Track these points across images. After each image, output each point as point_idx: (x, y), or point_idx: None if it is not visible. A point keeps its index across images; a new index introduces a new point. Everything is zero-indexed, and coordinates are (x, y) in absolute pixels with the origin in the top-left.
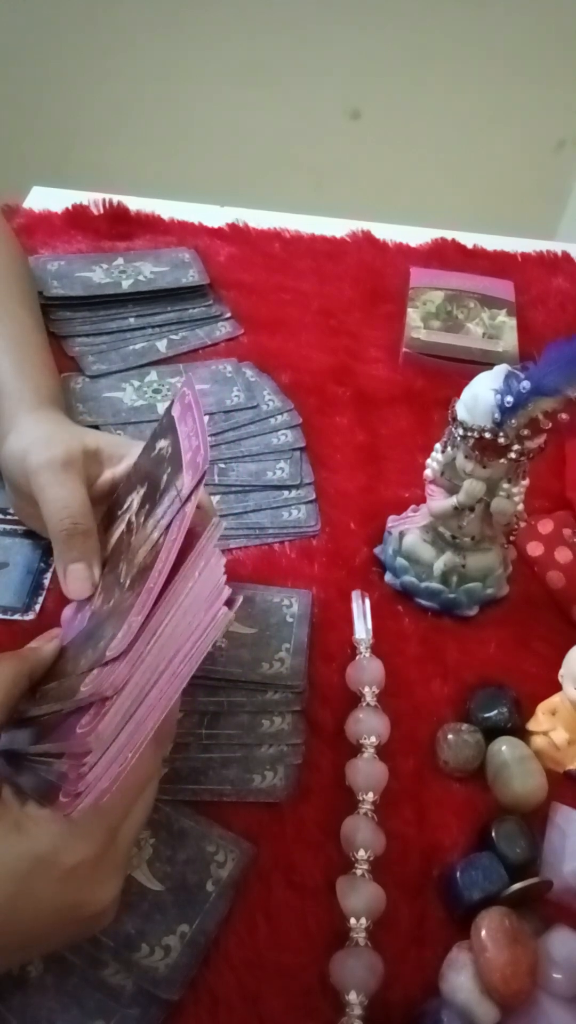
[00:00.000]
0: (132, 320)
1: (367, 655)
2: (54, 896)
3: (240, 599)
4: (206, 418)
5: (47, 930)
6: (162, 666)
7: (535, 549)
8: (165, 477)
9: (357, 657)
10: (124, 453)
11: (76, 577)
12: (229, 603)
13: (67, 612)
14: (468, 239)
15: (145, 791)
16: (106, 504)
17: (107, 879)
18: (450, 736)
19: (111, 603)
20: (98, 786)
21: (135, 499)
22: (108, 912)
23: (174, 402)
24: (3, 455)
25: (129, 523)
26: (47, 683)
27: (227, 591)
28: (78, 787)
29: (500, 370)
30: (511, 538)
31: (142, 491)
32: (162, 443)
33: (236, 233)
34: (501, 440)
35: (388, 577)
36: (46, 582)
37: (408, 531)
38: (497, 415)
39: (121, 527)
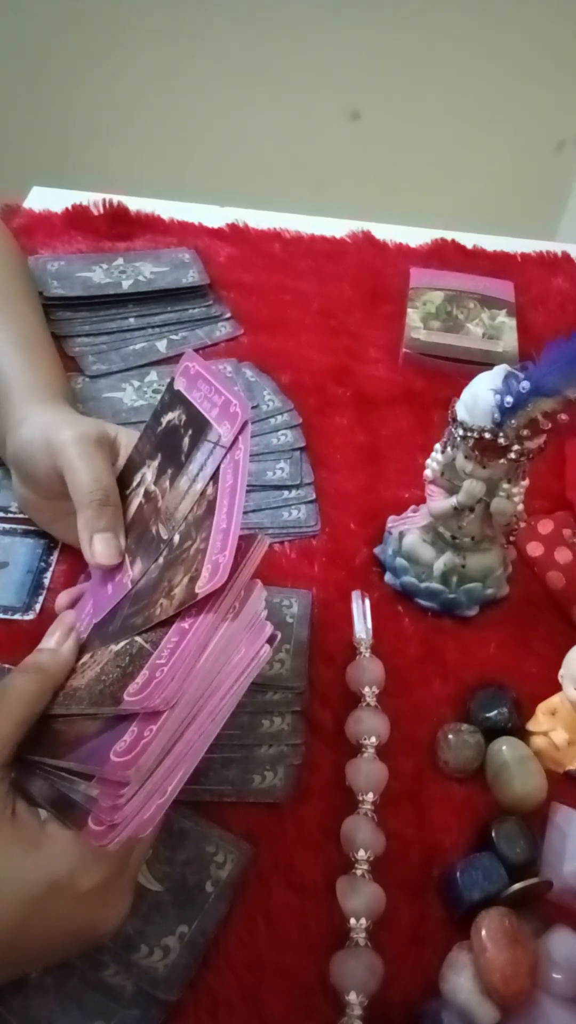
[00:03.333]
0: (132, 320)
1: (367, 655)
2: (67, 919)
3: (278, 636)
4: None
5: (56, 948)
6: (204, 698)
7: (535, 549)
8: (187, 440)
9: (357, 657)
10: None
11: (105, 543)
12: (270, 640)
13: (64, 598)
14: (468, 239)
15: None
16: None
17: (118, 900)
18: (450, 736)
19: (159, 560)
20: (136, 819)
21: (147, 472)
22: (116, 929)
23: (174, 379)
24: (14, 443)
25: (147, 493)
26: (67, 679)
27: (269, 627)
28: (114, 818)
29: (500, 370)
30: (511, 538)
31: (155, 463)
32: (170, 416)
33: (236, 233)
34: (501, 440)
35: (388, 577)
36: (46, 581)
37: (408, 531)
38: (497, 415)
39: (136, 500)
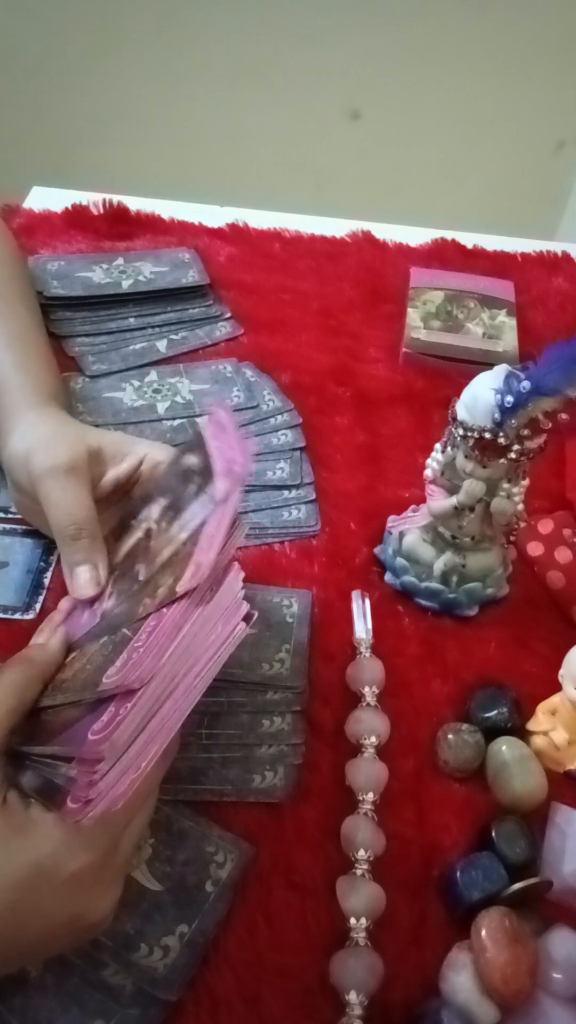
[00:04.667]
0: (132, 320)
1: (367, 655)
2: (55, 904)
3: (256, 615)
4: (205, 418)
5: (48, 938)
6: (179, 676)
7: (535, 549)
8: (193, 488)
9: (357, 657)
10: (127, 451)
11: (82, 578)
12: (246, 619)
13: (65, 603)
14: (468, 239)
15: (147, 800)
16: (111, 503)
17: (107, 888)
18: (450, 736)
19: (129, 594)
20: (110, 794)
21: (155, 510)
22: (106, 920)
23: (204, 420)
24: (6, 454)
25: (148, 530)
26: (56, 673)
27: (245, 606)
28: (88, 794)
29: (500, 370)
30: (511, 538)
31: (163, 502)
32: (191, 459)
33: (236, 233)
34: (501, 440)
35: (388, 577)
36: (46, 581)
37: (408, 531)
38: (497, 415)
39: (137, 534)
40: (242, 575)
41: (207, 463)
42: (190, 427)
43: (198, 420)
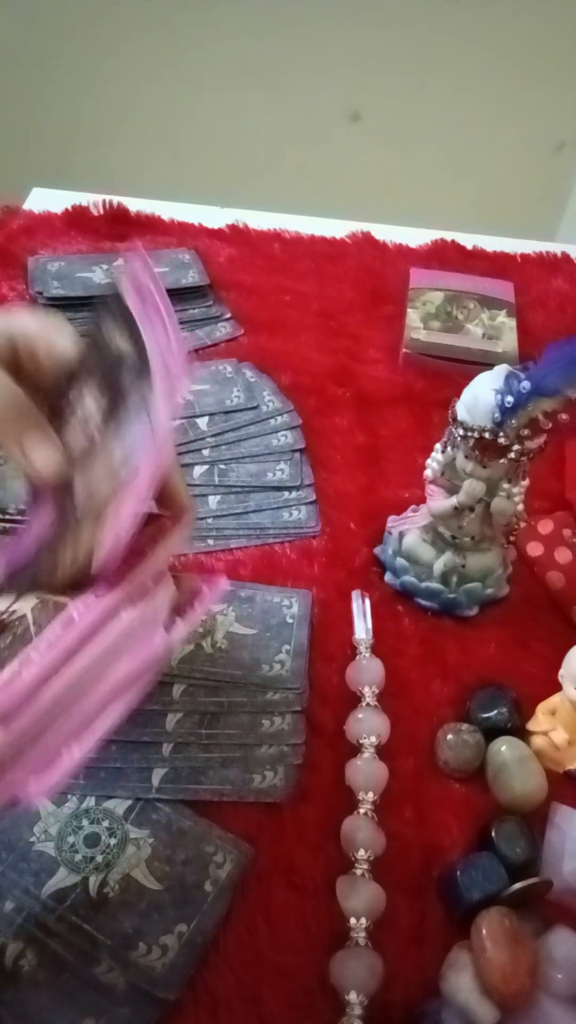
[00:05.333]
0: None
1: (367, 655)
2: None
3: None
4: (205, 419)
5: None
6: (64, 706)
7: (535, 549)
8: (135, 397)
9: (357, 657)
10: (6, 328)
11: (38, 445)
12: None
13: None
14: (468, 240)
15: None
16: None
17: None
18: (450, 736)
19: (63, 523)
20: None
21: (89, 402)
22: None
23: (121, 288)
24: None
25: (90, 436)
26: None
27: (161, 637)
28: None
29: (500, 370)
30: (511, 538)
31: (103, 401)
32: (120, 343)
33: (236, 234)
34: (501, 440)
35: (388, 577)
36: None
37: (408, 531)
38: (497, 415)
39: (78, 433)
40: (172, 590)
41: (145, 366)
42: (112, 299)
43: (119, 276)
